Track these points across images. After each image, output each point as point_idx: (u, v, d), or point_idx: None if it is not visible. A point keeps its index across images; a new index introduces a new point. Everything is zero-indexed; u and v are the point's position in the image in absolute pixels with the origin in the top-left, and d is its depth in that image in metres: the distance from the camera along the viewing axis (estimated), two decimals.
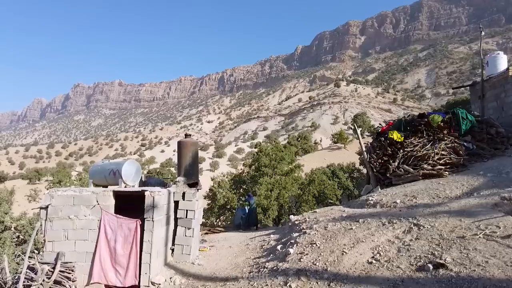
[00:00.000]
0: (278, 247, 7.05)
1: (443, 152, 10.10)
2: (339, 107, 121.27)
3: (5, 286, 5.93)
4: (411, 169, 9.94)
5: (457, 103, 37.92)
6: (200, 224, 8.90)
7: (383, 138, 11.18)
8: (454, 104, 39.13)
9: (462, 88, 28.29)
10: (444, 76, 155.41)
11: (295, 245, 6.41)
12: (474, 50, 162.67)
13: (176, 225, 7.82)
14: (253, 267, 6.50)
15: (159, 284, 6.53)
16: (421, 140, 10.68)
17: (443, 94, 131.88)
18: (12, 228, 15.32)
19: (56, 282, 5.98)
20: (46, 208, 6.69)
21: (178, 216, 7.79)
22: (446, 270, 4.17)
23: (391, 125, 11.89)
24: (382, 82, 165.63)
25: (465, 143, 10.51)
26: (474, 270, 4.01)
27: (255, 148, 25.33)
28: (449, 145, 10.34)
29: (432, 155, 10.00)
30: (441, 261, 4.33)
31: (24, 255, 6.11)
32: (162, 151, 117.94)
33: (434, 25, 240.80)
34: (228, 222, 18.61)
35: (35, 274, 5.90)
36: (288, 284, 4.91)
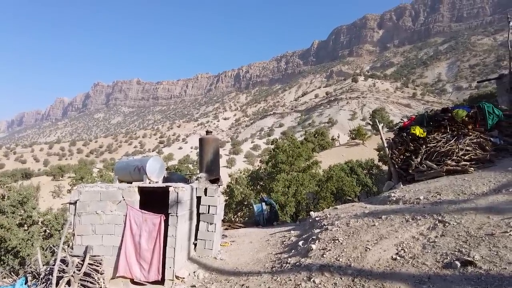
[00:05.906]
0: (300, 243, 7.07)
1: (468, 148, 9.82)
2: (357, 102, 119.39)
3: (39, 276, 6.22)
4: (434, 165, 9.72)
5: (481, 97, 36.57)
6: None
7: (405, 134, 10.98)
8: (478, 98, 37.73)
9: (486, 82, 27.32)
10: (466, 69, 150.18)
11: (317, 241, 6.41)
12: (499, 42, 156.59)
13: (198, 220, 7.95)
14: (275, 262, 6.55)
15: (183, 278, 6.67)
16: (445, 135, 10.43)
17: (465, 88, 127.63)
18: (40, 223, 15.96)
19: (85, 274, 6.21)
20: (74, 203, 6.93)
21: (200, 212, 7.93)
22: (475, 267, 4.08)
23: (413, 120, 11.65)
24: (401, 76, 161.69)
25: (492, 138, 10.18)
26: (505, 268, 3.90)
27: (271, 144, 25.31)
28: (475, 140, 10.04)
29: (456, 150, 9.74)
30: (469, 259, 4.22)
31: (55, 248, 6.37)
32: (180, 148, 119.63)
33: (456, 17, 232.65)
34: (246, 218, 18.74)
35: (66, 266, 6.15)
36: (312, 279, 4.93)
